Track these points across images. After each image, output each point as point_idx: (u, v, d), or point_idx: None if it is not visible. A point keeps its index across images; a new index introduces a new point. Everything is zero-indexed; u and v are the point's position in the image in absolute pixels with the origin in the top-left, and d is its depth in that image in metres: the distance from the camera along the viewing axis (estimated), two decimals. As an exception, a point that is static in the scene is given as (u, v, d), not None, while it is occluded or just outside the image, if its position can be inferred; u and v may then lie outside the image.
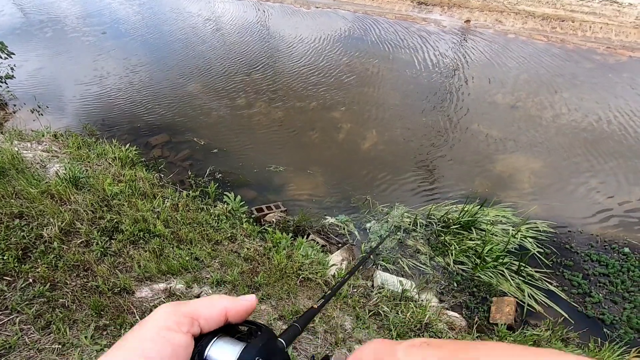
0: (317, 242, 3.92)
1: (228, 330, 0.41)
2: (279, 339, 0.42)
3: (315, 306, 0.49)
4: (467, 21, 8.44)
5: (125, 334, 0.37)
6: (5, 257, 2.57)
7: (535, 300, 3.49)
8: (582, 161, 5.02)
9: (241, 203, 4.02)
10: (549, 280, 3.66)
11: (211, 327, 0.39)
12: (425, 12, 8.97)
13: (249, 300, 0.41)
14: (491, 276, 3.62)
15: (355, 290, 3.13)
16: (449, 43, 7.79)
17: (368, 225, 4.29)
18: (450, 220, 4.14)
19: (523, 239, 3.99)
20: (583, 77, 6.53)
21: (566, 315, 3.39)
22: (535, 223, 4.20)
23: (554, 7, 8.40)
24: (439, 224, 4.15)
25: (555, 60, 6.99)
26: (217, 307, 0.39)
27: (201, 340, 0.38)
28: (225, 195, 4.08)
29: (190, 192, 4.12)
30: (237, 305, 0.40)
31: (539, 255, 3.87)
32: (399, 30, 8.27)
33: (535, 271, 3.70)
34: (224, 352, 0.37)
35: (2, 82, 6.58)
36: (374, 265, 3.80)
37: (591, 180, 4.76)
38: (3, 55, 6.74)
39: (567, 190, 4.68)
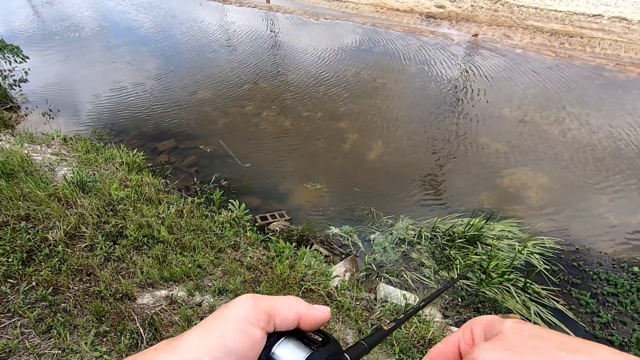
0: (321, 253, 3.89)
1: (295, 333, 0.40)
2: (345, 354, 0.41)
3: (386, 328, 0.47)
4: (475, 35, 8.48)
5: (207, 317, 0.37)
6: (10, 260, 2.58)
7: (542, 318, 3.41)
8: (591, 177, 4.97)
9: (245, 211, 4.02)
10: (556, 299, 3.59)
11: (283, 329, 0.38)
12: (434, 26, 9.03)
13: (323, 311, 0.40)
14: (496, 292, 3.55)
15: (358, 302, 3.09)
16: (456, 57, 7.82)
17: (372, 236, 4.26)
18: (456, 234, 4.10)
19: (529, 255, 3.93)
20: (592, 93, 6.50)
21: (573, 335, 3.31)
22: (542, 239, 4.14)
23: (562, 23, 8.42)
24: (444, 238, 4.11)
25: (563, 75, 6.97)
26: (293, 310, 0.39)
27: (269, 338, 0.38)
28: (230, 202, 4.09)
29: (196, 198, 4.13)
30: (312, 313, 0.39)
31: (545, 272, 3.81)
32: (407, 43, 8.32)
33: (542, 288, 3.64)
34: (290, 354, 0.37)
35: (15, 86, 6.72)
36: (377, 277, 3.76)
37: (600, 197, 4.69)
38: (18, 60, 6.90)
39: (575, 206, 4.62)
